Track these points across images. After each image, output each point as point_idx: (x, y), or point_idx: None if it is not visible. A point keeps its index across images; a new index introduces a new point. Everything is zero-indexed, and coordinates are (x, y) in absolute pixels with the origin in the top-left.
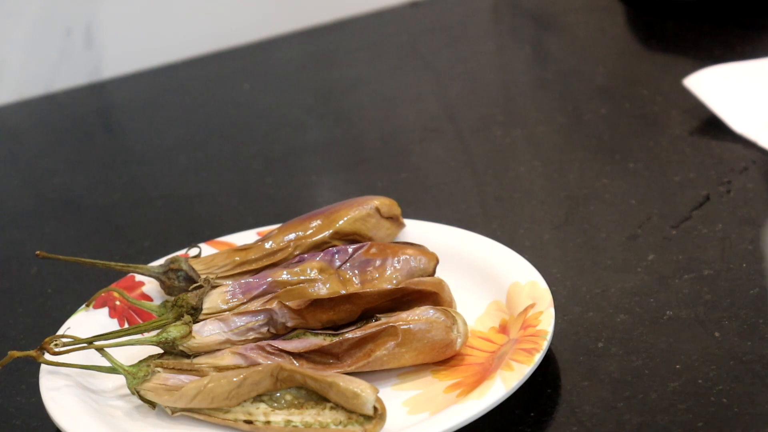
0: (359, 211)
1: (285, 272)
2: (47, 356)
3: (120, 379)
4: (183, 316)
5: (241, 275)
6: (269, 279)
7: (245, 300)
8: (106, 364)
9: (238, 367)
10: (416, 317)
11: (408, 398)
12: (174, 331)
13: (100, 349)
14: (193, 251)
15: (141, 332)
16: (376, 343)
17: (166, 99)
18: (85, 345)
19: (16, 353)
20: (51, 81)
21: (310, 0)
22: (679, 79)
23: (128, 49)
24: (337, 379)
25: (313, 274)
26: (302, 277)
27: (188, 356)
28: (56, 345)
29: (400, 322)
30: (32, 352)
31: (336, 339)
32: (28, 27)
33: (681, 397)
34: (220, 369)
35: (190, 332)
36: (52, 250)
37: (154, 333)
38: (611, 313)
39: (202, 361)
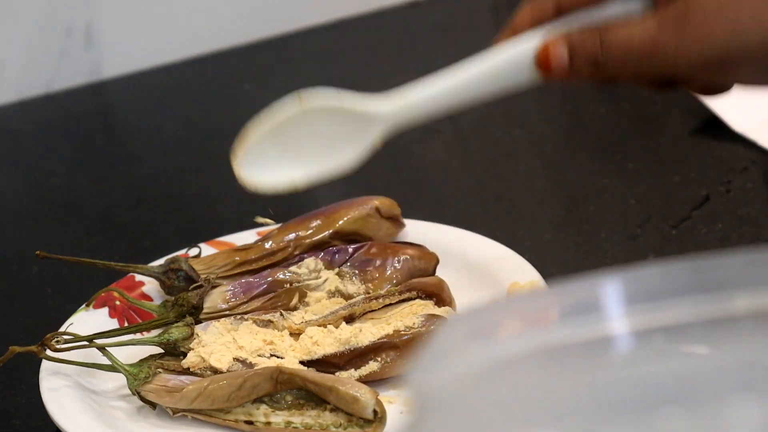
0: (359, 211)
1: (285, 272)
2: (48, 352)
3: (120, 379)
4: (184, 316)
5: (241, 275)
6: (269, 279)
7: (245, 299)
8: (107, 362)
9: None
10: (417, 328)
11: (408, 398)
12: (176, 332)
13: (101, 348)
14: (193, 251)
15: (142, 331)
16: (378, 354)
17: (166, 99)
18: (86, 343)
19: (18, 348)
20: (51, 81)
21: (310, 0)
22: None
23: (128, 49)
24: (337, 383)
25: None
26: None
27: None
28: (57, 342)
29: (401, 334)
30: (33, 348)
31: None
32: (28, 27)
33: None
34: (217, 371)
35: (192, 334)
36: (52, 250)
37: (155, 332)
38: None
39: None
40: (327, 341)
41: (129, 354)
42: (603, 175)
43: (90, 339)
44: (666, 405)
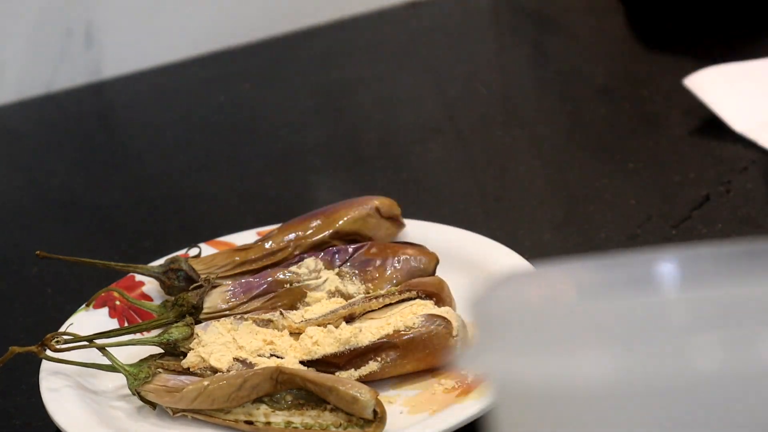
0: (359, 211)
1: (285, 272)
2: (48, 352)
3: (120, 379)
4: (184, 316)
5: (241, 275)
6: (269, 279)
7: (245, 300)
8: (107, 362)
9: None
10: (417, 327)
11: (408, 398)
12: (176, 332)
13: (101, 348)
14: (193, 251)
15: (142, 331)
16: (378, 354)
17: (166, 99)
18: (86, 343)
19: (18, 348)
20: (51, 81)
21: (310, 0)
22: (679, 79)
23: (128, 49)
24: (337, 383)
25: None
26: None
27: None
28: (57, 342)
29: (401, 334)
30: (33, 348)
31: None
32: (28, 27)
33: None
34: (217, 371)
35: (192, 334)
36: (52, 250)
37: (155, 332)
38: None
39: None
40: (327, 341)
41: (129, 354)
42: (603, 175)
43: (90, 339)
44: (702, 331)
